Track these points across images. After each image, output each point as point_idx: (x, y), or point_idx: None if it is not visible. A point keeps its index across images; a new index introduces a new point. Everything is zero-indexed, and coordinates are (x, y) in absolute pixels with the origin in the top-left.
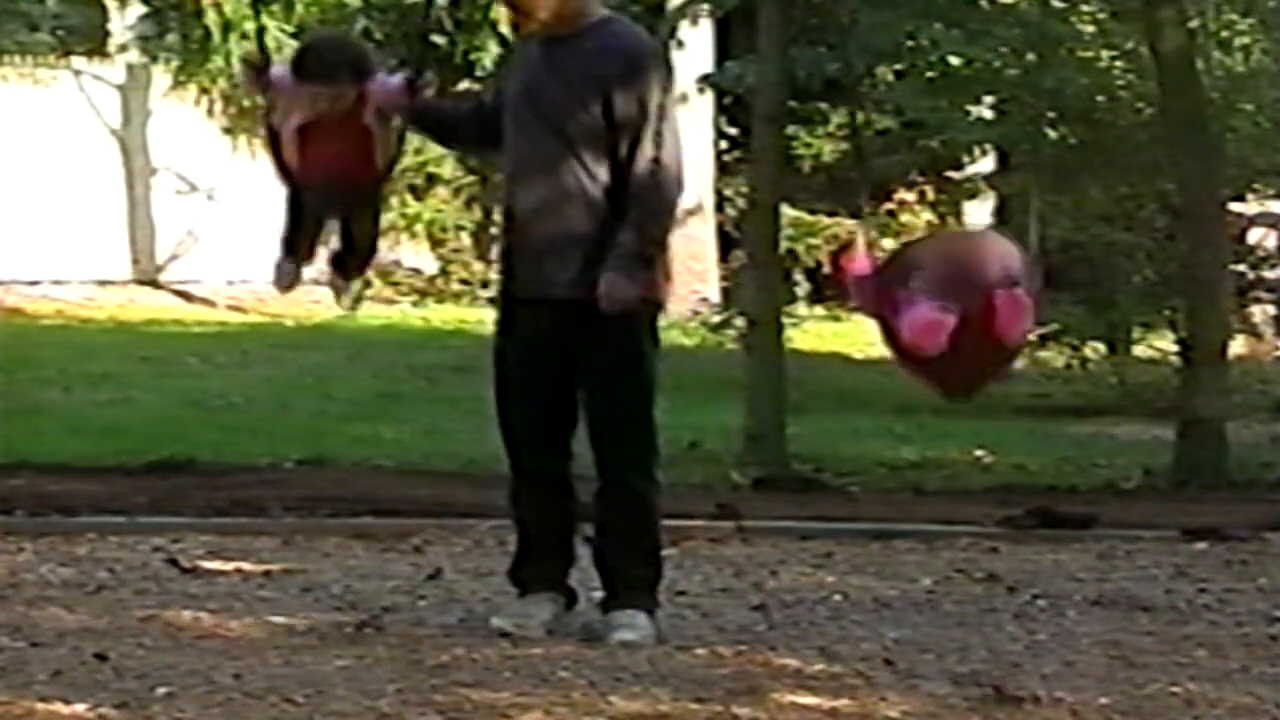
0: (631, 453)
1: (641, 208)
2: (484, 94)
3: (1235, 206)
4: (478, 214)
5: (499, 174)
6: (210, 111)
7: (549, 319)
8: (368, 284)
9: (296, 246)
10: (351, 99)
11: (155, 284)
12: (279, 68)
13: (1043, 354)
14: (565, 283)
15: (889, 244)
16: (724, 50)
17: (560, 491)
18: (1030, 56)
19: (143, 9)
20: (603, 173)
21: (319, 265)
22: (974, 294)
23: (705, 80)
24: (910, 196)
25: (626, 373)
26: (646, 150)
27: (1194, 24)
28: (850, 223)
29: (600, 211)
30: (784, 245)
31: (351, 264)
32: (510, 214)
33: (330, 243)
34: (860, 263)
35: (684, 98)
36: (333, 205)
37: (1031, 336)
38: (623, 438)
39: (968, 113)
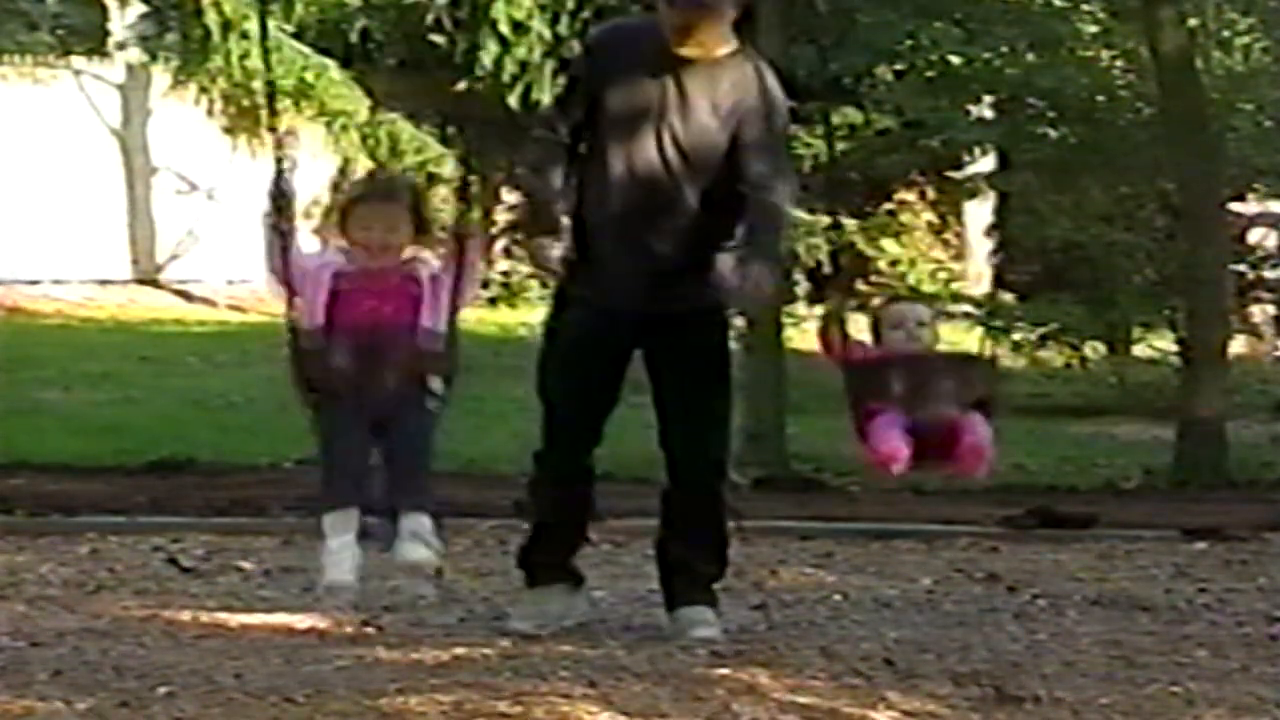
0: (715, 455)
1: (774, 214)
2: (555, 121)
3: (1235, 206)
4: (478, 213)
5: (591, 181)
6: (210, 111)
7: (637, 329)
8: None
9: (345, 488)
10: (404, 242)
11: (155, 284)
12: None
13: (1043, 354)
14: (681, 295)
15: (887, 244)
16: None
17: (585, 484)
18: (1030, 56)
19: (143, 8)
20: (720, 191)
21: None
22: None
23: None
24: (910, 196)
25: (721, 379)
26: (778, 169)
27: (1194, 24)
28: (850, 222)
29: (712, 225)
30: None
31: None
32: (613, 224)
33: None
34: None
35: None
36: (366, 360)
37: (1031, 337)
38: (708, 441)
39: (968, 112)
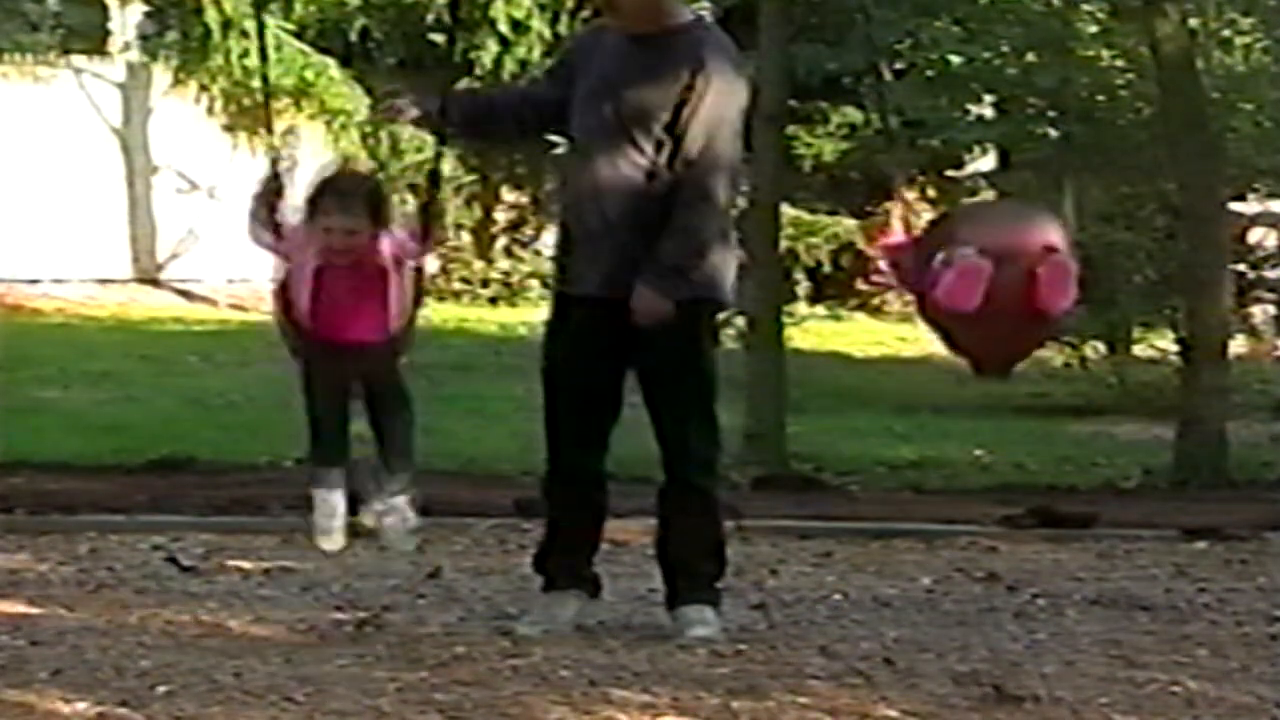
0: (695, 450)
1: (686, 216)
2: (530, 83)
3: (1235, 206)
4: (478, 212)
5: (564, 164)
6: (210, 109)
7: (606, 316)
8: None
9: (329, 450)
10: (366, 236)
11: (156, 282)
12: (291, 221)
13: (1043, 354)
14: (629, 282)
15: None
16: None
17: (595, 487)
18: (1030, 56)
19: (144, 8)
20: (666, 173)
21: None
22: (1016, 262)
23: None
24: (911, 195)
25: (687, 371)
26: (702, 156)
27: (1194, 24)
28: (850, 222)
29: (660, 209)
30: (784, 245)
31: (394, 464)
32: (574, 207)
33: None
34: (896, 236)
35: None
36: (349, 365)
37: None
38: (686, 435)
39: (968, 112)
